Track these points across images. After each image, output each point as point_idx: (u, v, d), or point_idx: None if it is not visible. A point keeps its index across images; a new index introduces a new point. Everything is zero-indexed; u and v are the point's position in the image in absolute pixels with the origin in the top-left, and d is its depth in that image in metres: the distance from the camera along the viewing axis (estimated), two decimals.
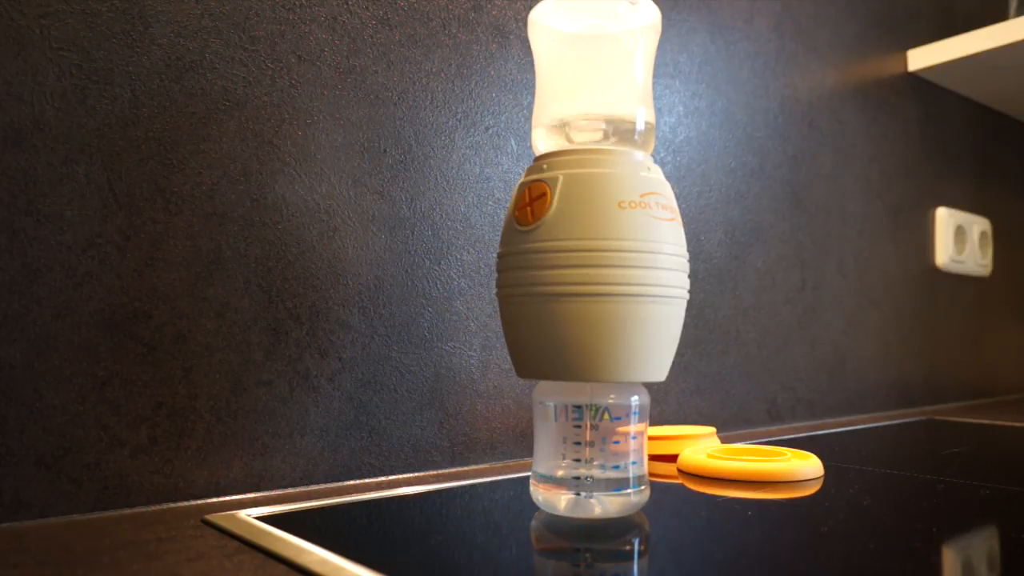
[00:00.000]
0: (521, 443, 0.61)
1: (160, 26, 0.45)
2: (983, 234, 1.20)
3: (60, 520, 0.41)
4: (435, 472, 0.56)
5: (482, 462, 0.58)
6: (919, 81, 1.10)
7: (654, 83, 0.73)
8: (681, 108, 0.75)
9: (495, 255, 0.60)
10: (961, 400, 1.17)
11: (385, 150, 0.54)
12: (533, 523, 0.40)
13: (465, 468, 0.57)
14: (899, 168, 1.05)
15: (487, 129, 0.60)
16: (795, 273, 0.88)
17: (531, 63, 0.63)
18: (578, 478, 0.39)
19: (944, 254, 1.11)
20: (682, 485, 0.50)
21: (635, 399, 0.40)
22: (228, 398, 0.47)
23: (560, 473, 0.39)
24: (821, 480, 0.51)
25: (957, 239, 1.14)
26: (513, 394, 0.60)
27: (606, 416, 0.39)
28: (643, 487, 0.40)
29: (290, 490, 0.49)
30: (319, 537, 0.37)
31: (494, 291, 0.60)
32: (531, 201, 0.39)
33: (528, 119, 0.62)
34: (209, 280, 0.46)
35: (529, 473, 0.52)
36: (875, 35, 1.02)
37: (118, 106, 0.43)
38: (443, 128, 0.57)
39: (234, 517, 0.41)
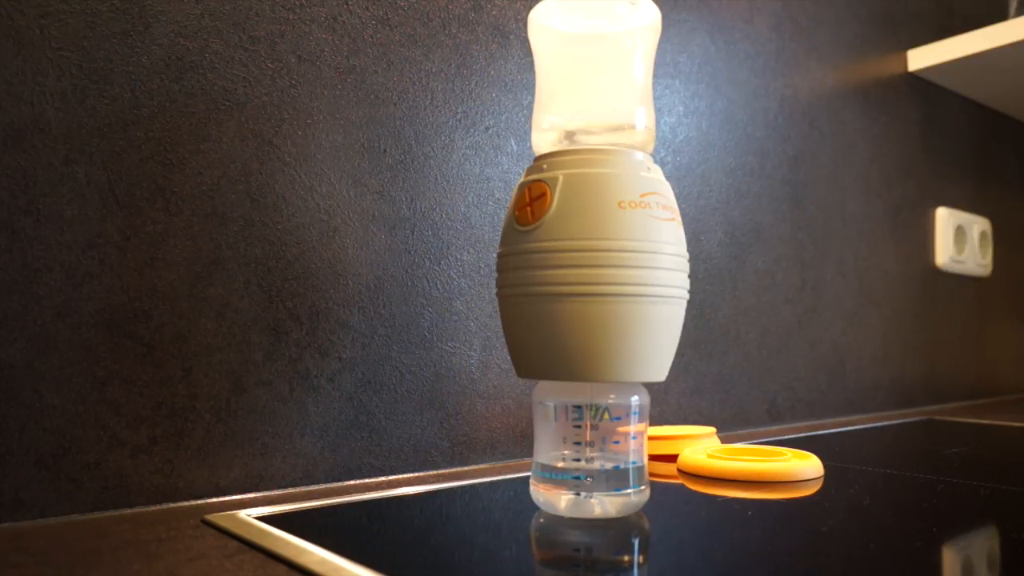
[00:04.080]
0: (521, 443, 0.61)
1: (160, 26, 0.45)
2: (983, 234, 1.20)
3: (60, 520, 0.41)
4: (435, 472, 0.56)
5: (482, 462, 0.58)
6: (919, 81, 1.10)
7: (654, 83, 0.73)
8: (681, 108, 0.75)
9: (495, 255, 0.60)
10: (961, 400, 1.17)
11: (385, 150, 0.54)
12: (533, 523, 0.40)
13: (465, 468, 0.57)
14: (899, 168, 1.05)
15: (487, 129, 0.60)
16: (795, 273, 0.88)
17: (531, 63, 0.63)
18: (578, 478, 0.39)
19: (944, 254, 1.11)
20: (682, 485, 0.50)
21: (635, 399, 0.40)
22: (228, 398, 0.47)
23: (560, 473, 0.39)
24: (821, 480, 0.51)
25: (957, 239, 1.14)
26: (513, 394, 0.60)
27: (606, 416, 0.39)
28: (643, 487, 0.40)
29: (290, 490, 0.49)
30: (319, 537, 0.37)
31: (494, 291, 0.60)
32: (531, 201, 0.39)
33: (528, 119, 0.62)
34: (209, 280, 0.46)
35: (529, 473, 0.52)
36: (875, 35, 1.02)
37: (118, 106, 0.43)
38: (443, 128, 0.57)
39: (234, 517, 0.41)
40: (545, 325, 0.38)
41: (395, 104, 0.55)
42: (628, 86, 0.41)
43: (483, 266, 0.59)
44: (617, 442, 0.39)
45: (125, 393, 0.43)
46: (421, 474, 0.55)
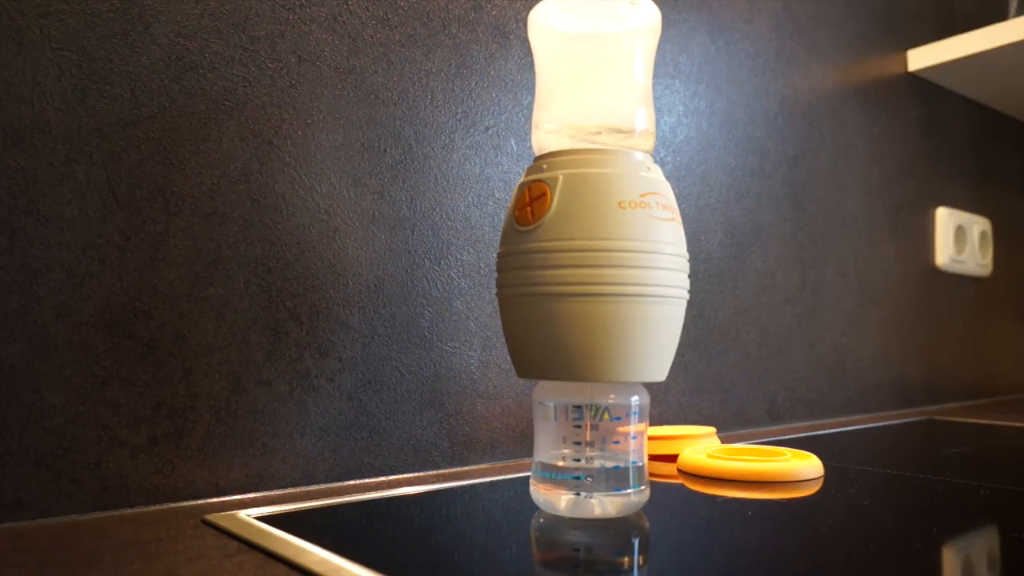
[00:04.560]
0: (521, 443, 0.61)
1: (160, 26, 0.45)
2: (983, 234, 1.20)
3: (60, 520, 0.41)
4: (435, 472, 0.56)
5: (482, 462, 0.58)
6: (919, 81, 1.10)
7: (654, 83, 0.73)
8: (681, 108, 0.75)
9: (495, 255, 0.60)
10: (961, 400, 1.17)
11: (385, 150, 0.54)
12: (533, 523, 0.40)
13: (465, 468, 0.57)
14: (899, 168, 1.05)
15: (487, 129, 0.60)
16: (795, 273, 0.88)
17: (531, 63, 0.63)
18: (578, 478, 0.39)
19: (944, 254, 1.11)
20: (682, 485, 0.50)
21: (635, 399, 0.40)
22: (228, 398, 0.47)
23: (560, 473, 0.39)
24: (821, 480, 0.51)
25: (957, 239, 1.14)
26: (513, 394, 0.60)
27: (606, 416, 0.39)
28: (643, 487, 0.40)
29: (290, 490, 0.49)
30: (319, 537, 0.37)
31: (494, 291, 0.60)
32: (531, 201, 0.39)
33: (528, 119, 0.62)
34: (209, 280, 0.46)
35: (529, 473, 0.52)
36: (875, 35, 1.02)
37: (118, 106, 0.43)
38: (443, 128, 0.57)
39: (234, 517, 0.41)
40: (545, 325, 0.38)
41: (395, 104, 0.55)
42: (628, 86, 0.41)
43: (483, 266, 0.59)
44: (617, 442, 0.39)
45: (125, 393, 0.43)
46: (421, 474, 0.55)
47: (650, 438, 0.60)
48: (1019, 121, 1.33)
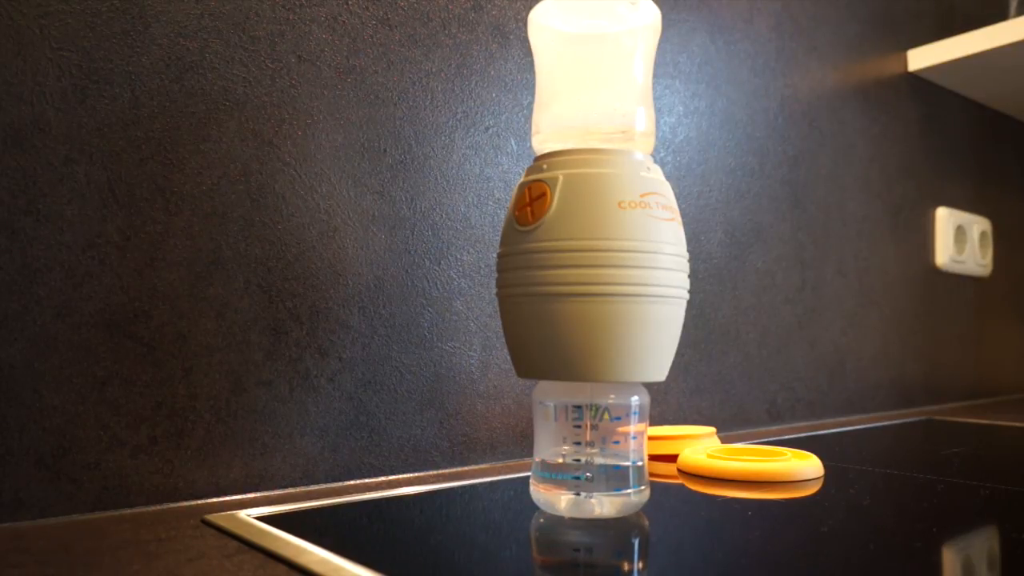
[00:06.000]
0: (521, 443, 0.61)
1: (160, 26, 0.45)
2: (983, 234, 1.20)
3: (60, 520, 0.41)
4: (435, 472, 0.56)
5: (482, 462, 0.58)
6: (919, 81, 1.10)
7: (654, 83, 0.73)
8: (681, 108, 0.75)
9: (495, 255, 0.60)
10: (961, 400, 1.17)
11: (385, 150, 0.54)
12: (533, 523, 0.40)
13: (465, 468, 0.57)
14: (899, 168, 1.05)
15: (487, 129, 0.60)
16: (795, 273, 0.88)
17: (531, 63, 0.63)
18: (578, 478, 0.39)
19: (944, 254, 1.11)
20: (682, 485, 0.50)
21: (635, 399, 0.40)
22: (228, 398, 0.47)
23: (560, 472, 0.39)
24: (821, 480, 0.51)
25: (957, 239, 1.14)
26: (513, 394, 0.60)
27: (606, 416, 0.39)
28: (643, 487, 0.40)
29: (290, 490, 0.49)
30: (319, 537, 0.37)
31: (494, 291, 0.60)
32: (531, 201, 0.39)
33: (528, 119, 0.62)
34: (209, 280, 0.46)
35: (529, 473, 0.52)
36: (875, 35, 1.02)
37: (118, 106, 0.43)
38: (443, 128, 0.57)
39: (234, 517, 0.41)
40: (545, 325, 0.38)
41: (395, 104, 0.55)
42: (628, 86, 0.41)
43: (483, 266, 0.59)
44: (617, 442, 0.39)
45: (125, 393, 0.43)
46: (421, 474, 0.55)
47: (650, 438, 0.60)
48: (1019, 121, 1.33)
